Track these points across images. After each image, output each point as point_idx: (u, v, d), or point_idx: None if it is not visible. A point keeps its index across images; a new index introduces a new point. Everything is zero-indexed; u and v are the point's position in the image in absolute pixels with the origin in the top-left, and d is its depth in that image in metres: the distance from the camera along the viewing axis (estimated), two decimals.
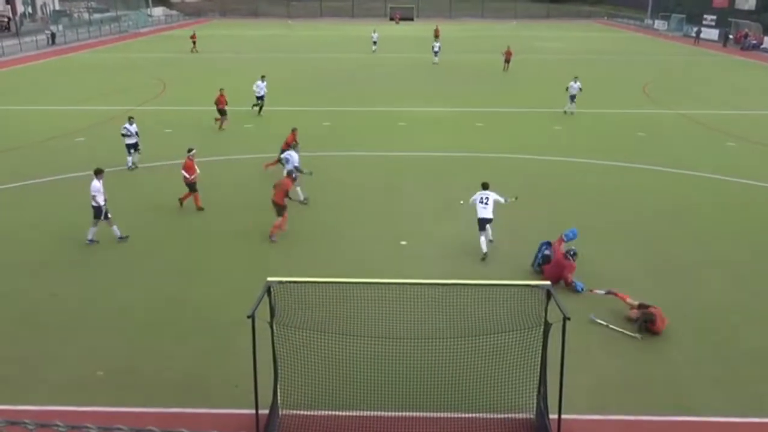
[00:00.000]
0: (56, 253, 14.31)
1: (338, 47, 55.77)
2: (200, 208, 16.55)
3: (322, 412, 8.91)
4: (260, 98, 28.03)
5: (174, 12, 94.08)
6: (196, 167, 16.44)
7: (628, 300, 11.71)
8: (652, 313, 11.13)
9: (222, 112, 25.50)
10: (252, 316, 7.75)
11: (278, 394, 8.91)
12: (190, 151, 16.62)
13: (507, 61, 41.80)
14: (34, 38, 53.89)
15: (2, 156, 21.85)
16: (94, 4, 79.49)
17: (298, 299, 8.77)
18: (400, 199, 17.73)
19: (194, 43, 51.53)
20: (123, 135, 20.16)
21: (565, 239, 13.39)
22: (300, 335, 8.85)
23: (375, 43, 52.02)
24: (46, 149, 22.74)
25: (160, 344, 10.83)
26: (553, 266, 13.02)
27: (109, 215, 14.58)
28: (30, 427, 3.04)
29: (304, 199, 16.82)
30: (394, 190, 18.41)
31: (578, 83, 28.21)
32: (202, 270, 13.60)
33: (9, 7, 65.94)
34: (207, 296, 12.43)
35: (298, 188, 16.91)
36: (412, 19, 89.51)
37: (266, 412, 8.71)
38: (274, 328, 8.44)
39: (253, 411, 8.39)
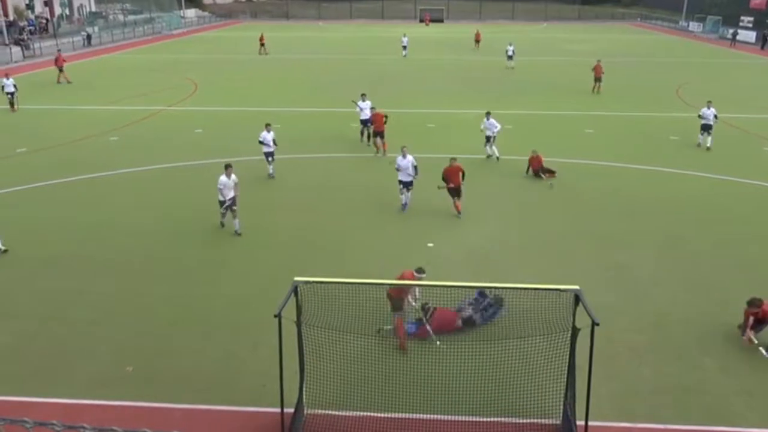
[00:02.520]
0: (86, 250, 14.57)
1: (368, 49, 55.90)
2: (403, 349, 10.64)
3: (348, 413, 8.91)
4: (364, 123, 22.85)
5: (206, 14, 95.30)
6: (415, 291, 11.25)
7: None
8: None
9: (379, 134, 21.81)
10: (279, 316, 7.80)
11: (304, 393, 8.94)
12: (420, 272, 11.03)
13: (598, 79, 33.75)
14: (71, 39, 55.02)
15: (37, 154, 22.36)
16: (128, 6, 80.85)
17: (325, 299, 8.80)
18: (426, 201, 17.67)
19: (262, 45, 51.45)
20: (261, 143, 19.10)
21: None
22: (326, 335, 8.88)
23: (405, 47, 49.85)
24: (81, 148, 23.19)
25: (188, 342, 10.95)
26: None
27: (235, 208, 15.12)
28: (57, 428, 3.09)
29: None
30: (421, 192, 18.34)
31: (713, 109, 22.70)
32: (229, 268, 13.73)
33: (47, 9, 67.52)
34: (234, 295, 12.55)
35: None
36: (442, 21, 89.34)
37: (292, 411, 8.75)
38: (301, 327, 8.48)
39: (279, 410, 8.43)
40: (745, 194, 18.53)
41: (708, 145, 22.64)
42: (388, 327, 10.67)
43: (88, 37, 57.31)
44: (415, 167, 16.52)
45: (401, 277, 10.77)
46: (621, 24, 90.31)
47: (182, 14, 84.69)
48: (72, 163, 21.05)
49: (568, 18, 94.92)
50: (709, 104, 22.92)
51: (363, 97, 22.96)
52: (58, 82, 36.60)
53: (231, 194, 14.94)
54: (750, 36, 62.61)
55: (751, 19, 66.41)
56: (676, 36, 71.25)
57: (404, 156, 16.59)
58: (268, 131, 19.03)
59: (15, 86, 28.95)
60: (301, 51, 53.47)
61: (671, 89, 35.70)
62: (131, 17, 74.98)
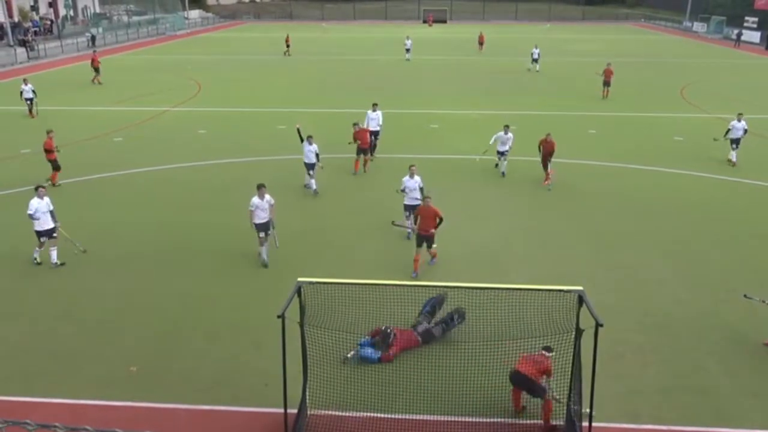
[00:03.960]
0: (93, 250, 14.60)
1: (372, 50, 55.93)
2: None
3: (351, 414, 8.92)
4: (374, 134, 21.32)
5: (210, 15, 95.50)
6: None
7: None
8: None
9: (363, 152, 20.20)
10: (282, 316, 7.81)
11: (307, 394, 8.95)
12: (548, 350, 9.02)
13: (607, 83, 32.75)
14: (75, 40, 55.17)
15: (42, 155, 22.38)
16: (132, 7, 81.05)
17: (328, 300, 8.81)
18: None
19: (288, 45, 51.33)
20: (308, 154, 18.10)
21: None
22: (329, 336, 8.89)
23: (408, 50, 48.23)
24: (85, 149, 23.25)
25: (192, 342, 10.97)
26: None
27: (270, 232, 13.70)
28: (60, 430, 3.09)
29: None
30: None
31: (743, 122, 20.93)
32: (233, 268, 13.75)
33: (51, 10, 67.75)
34: (238, 295, 12.57)
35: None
36: (445, 22, 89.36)
37: (295, 411, 8.76)
38: (304, 328, 8.49)
39: (282, 410, 8.44)
40: (748, 194, 18.49)
41: (734, 159, 21.03)
42: (351, 354, 10.24)
43: (93, 38, 57.43)
44: (422, 189, 14.72)
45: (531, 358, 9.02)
46: (625, 24, 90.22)
47: (186, 15, 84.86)
48: (77, 164, 21.07)
49: (572, 18, 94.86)
50: (739, 117, 20.98)
51: (374, 107, 21.59)
52: (99, 83, 36.76)
53: (265, 217, 13.62)
54: (755, 36, 62.44)
55: (756, 19, 66.23)
56: (680, 36, 71.14)
57: (412, 176, 14.74)
58: (310, 143, 17.95)
59: (34, 92, 28.19)
60: (305, 52, 53.44)
61: (675, 90, 35.65)
62: (135, 18, 75.16)
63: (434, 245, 13.54)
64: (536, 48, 42.54)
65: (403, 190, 14.92)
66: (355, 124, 20.27)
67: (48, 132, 19.18)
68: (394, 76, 40.54)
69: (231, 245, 14.90)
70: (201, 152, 22.55)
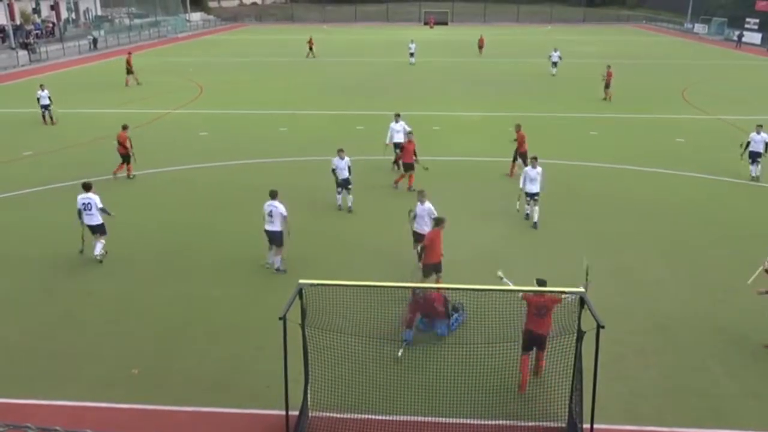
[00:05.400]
0: (93, 251, 14.60)
1: (373, 52, 55.96)
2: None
3: (352, 416, 8.91)
4: (399, 146, 19.73)
5: (211, 17, 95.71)
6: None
7: None
8: None
9: (406, 166, 18.69)
10: (284, 318, 7.81)
11: (308, 396, 8.95)
12: (541, 283, 9.57)
13: (608, 85, 32.58)
14: (77, 43, 55.36)
15: (44, 157, 22.46)
16: (134, 10, 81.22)
17: (330, 302, 8.80)
18: (433, 203, 17.64)
19: (311, 48, 51.25)
20: (333, 170, 16.92)
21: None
22: (331, 338, 8.88)
23: (412, 54, 46.70)
24: (87, 151, 23.27)
25: (193, 343, 10.96)
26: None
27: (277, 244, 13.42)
28: None
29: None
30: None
31: (763, 134, 19.20)
32: (235, 270, 13.74)
33: (54, 12, 67.93)
34: (239, 297, 12.57)
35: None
36: (446, 24, 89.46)
37: (296, 413, 8.75)
38: (306, 330, 8.48)
39: (284, 412, 8.44)
40: (749, 195, 18.46)
41: (754, 174, 19.50)
42: (400, 352, 10.40)
43: (94, 40, 57.59)
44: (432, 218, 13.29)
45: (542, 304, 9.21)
46: (626, 26, 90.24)
47: (187, 18, 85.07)
48: (78, 166, 21.10)
49: (573, 20, 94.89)
50: (759, 129, 19.41)
51: (397, 117, 20.08)
52: (138, 83, 36.87)
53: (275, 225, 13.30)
54: (756, 38, 62.43)
55: (757, 20, 66.23)
56: (681, 38, 71.13)
57: (422, 202, 13.32)
58: (341, 158, 16.85)
59: (50, 98, 27.47)
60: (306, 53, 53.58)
61: (677, 91, 35.63)
62: (137, 21, 75.37)
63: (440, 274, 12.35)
64: (555, 51, 41.28)
65: (412, 217, 13.59)
66: (409, 133, 19.06)
67: (123, 127, 19.74)
68: (395, 78, 40.56)
69: (232, 247, 14.91)
70: (202, 154, 22.58)
